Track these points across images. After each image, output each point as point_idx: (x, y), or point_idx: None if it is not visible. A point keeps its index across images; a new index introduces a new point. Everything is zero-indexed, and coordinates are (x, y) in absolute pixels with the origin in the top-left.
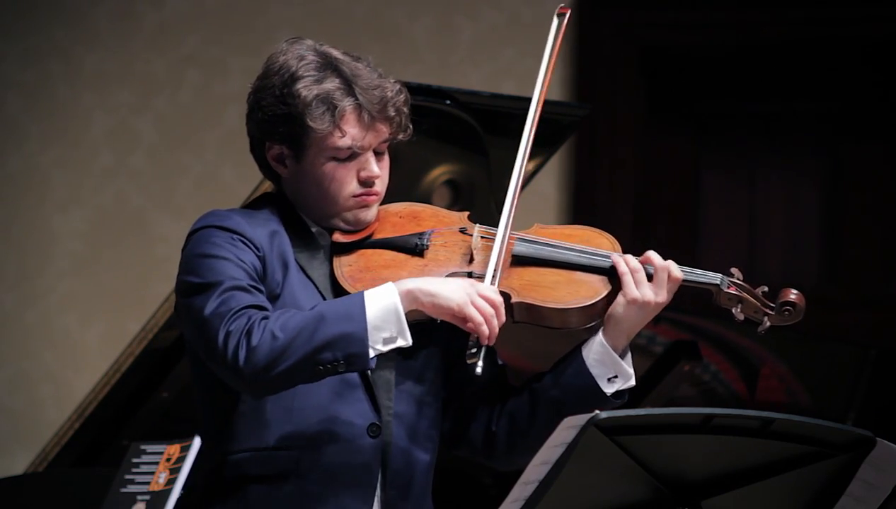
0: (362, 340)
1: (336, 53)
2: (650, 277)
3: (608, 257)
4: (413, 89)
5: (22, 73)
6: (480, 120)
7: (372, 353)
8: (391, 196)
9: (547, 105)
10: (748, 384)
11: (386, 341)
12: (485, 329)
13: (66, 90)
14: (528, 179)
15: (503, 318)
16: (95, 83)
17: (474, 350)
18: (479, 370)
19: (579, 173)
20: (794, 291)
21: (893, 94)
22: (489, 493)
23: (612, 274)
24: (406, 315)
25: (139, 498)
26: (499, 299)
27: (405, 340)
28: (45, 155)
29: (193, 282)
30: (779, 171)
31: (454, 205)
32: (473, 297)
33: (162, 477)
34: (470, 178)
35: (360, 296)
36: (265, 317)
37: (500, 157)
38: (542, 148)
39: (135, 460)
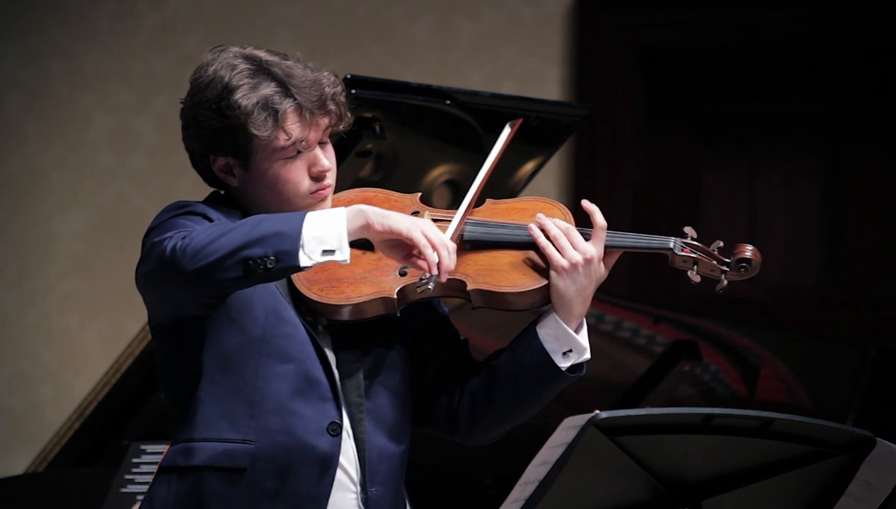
0: (294, 238)
1: (263, 55)
2: (587, 237)
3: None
4: (413, 89)
5: (22, 73)
6: (480, 120)
7: (306, 259)
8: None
9: (547, 105)
10: (748, 384)
11: (325, 252)
12: (430, 253)
13: (66, 90)
14: (528, 179)
15: (454, 259)
16: (95, 83)
17: (422, 280)
18: (430, 287)
19: (579, 173)
20: (749, 247)
21: (893, 93)
22: (489, 493)
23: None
24: (352, 233)
25: (139, 498)
26: (452, 243)
27: (343, 255)
28: (45, 155)
29: (153, 240)
30: (779, 171)
31: (453, 204)
32: (423, 226)
33: None
34: (470, 178)
35: (305, 212)
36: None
37: (500, 157)
38: (542, 148)
39: (135, 460)
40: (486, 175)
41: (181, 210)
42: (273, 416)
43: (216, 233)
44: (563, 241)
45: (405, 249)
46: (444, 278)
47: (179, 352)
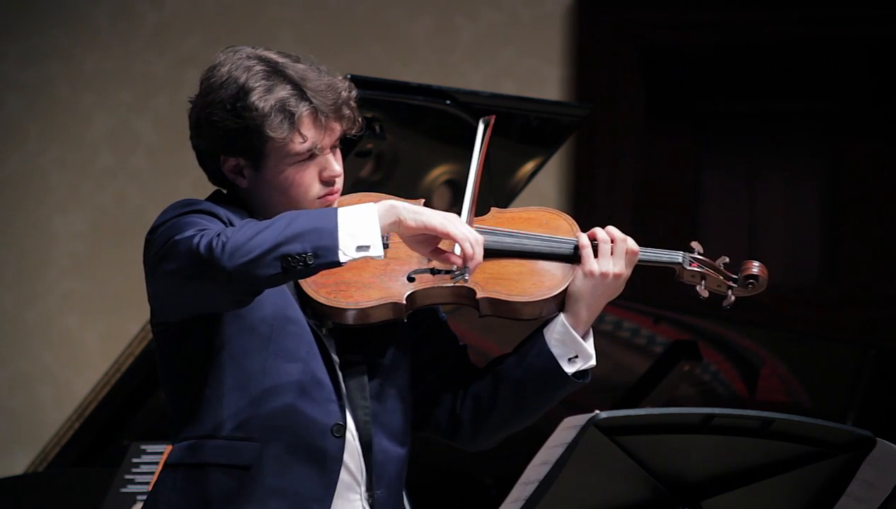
0: (332, 234)
1: (276, 57)
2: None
3: (570, 241)
4: (413, 89)
5: (22, 73)
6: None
7: (343, 255)
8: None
9: (547, 105)
10: (748, 384)
11: (359, 248)
12: (468, 245)
13: (66, 90)
14: (528, 179)
15: (482, 253)
16: (95, 83)
17: (457, 272)
18: (467, 278)
19: (579, 173)
20: (756, 263)
21: (893, 94)
22: (489, 493)
23: (574, 260)
24: (384, 229)
25: (139, 498)
26: (480, 237)
27: (378, 251)
28: (45, 155)
29: (169, 238)
30: (779, 171)
31: (454, 205)
32: (454, 221)
33: None
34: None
35: (335, 208)
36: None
37: (500, 157)
38: (542, 148)
39: (135, 460)
40: (476, 179)
41: (189, 208)
42: (278, 415)
43: (253, 231)
44: (606, 248)
45: (433, 243)
46: (473, 271)
47: (184, 349)
